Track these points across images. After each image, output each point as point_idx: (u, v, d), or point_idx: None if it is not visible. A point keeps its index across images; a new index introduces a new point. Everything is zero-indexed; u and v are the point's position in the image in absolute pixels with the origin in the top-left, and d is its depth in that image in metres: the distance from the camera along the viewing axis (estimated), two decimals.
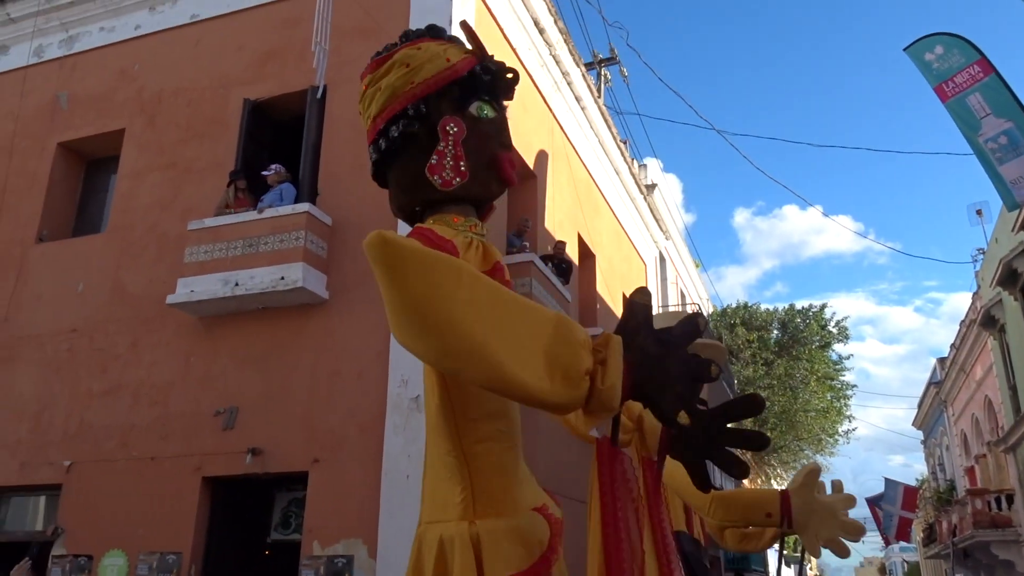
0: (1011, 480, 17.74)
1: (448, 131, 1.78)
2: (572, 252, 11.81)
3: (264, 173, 8.37)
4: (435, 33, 1.88)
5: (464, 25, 1.88)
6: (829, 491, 3.30)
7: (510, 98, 1.95)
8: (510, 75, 1.91)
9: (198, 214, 8.36)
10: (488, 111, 1.84)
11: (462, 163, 1.77)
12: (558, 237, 11.12)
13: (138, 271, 8.74)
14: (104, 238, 9.27)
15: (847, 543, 3.26)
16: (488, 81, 1.85)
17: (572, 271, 11.19)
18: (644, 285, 1.45)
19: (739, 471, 1.68)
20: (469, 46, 1.89)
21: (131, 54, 9.88)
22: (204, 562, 7.58)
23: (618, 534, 1.41)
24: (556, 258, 10.53)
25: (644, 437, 2.07)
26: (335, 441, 7.43)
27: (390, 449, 7.14)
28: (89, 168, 10.28)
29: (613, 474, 1.46)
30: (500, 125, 1.87)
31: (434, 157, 1.78)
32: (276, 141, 9.20)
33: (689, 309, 19.01)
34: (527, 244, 9.91)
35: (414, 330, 1.36)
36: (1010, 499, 17.65)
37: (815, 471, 3.22)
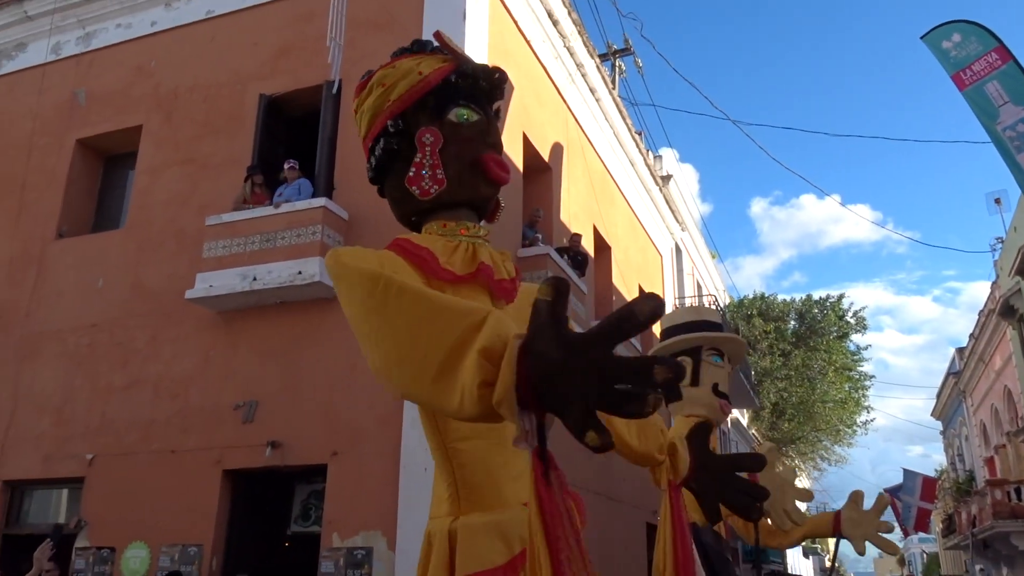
0: None
1: (424, 142, 1.82)
2: (587, 244, 11.80)
3: (287, 165, 8.43)
4: (418, 48, 1.92)
5: (437, 35, 1.91)
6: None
7: (498, 98, 1.97)
8: (495, 76, 1.93)
9: (215, 209, 8.42)
10: (468, 115, 1.86)
11: (439, 171, 1.81)
12: (573, 229, 11.11)
13: (157, 266, 8.81)
14: (123, 234, 9.35)
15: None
16: (467, 86, 1.87)
17: (588, 263, 11.19)
18: (558, 275, 1.19)
19: (755, 515, 1.89)
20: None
21: (147, 50, 9.94)
22: (225, 554, 7.66)
23: (560, 554, 1.28)
24: (572, 250, 10.54)
25: (676, 465, 2.15)
26: (353, 434, 7.48)
27: (408, 442, 7.18)
28: (107, 164, 10.37)
29: (550, 488, 1.29)
30: (483, 127, 1.89)
31: (412, 169, 1.82)
32: (292, 136, 9.23)
33: (705, 301, 18.95)
34: (539, 235, 9.93)
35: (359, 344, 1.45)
36: None
37: (772, 449, 3.45)
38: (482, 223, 1.93)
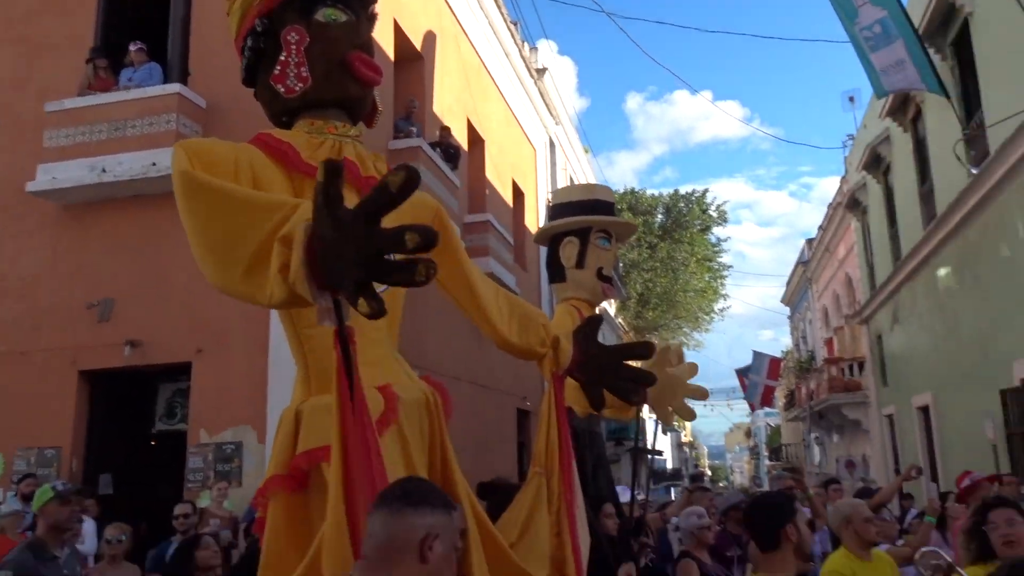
0: (863, 349, 19.34)
1: (289, 40, 1.82)
2: (461, 137, 11.68)
3: (133, 47, 7.82)
4: None
5: None
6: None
7: (371, 2, 1.99)
8: None
9: (56, 95, 7.80)
10: (336, 15, 1.86)
11: (303, 69, 1.82)
12: (446, 121, 10.95)
13: None
14: None
15: (693, 405, 3.67)
16: None
17: (460, 156, 11.10)
18: (334, 158, 1.36)
19: (636, 399, 2.07)
20: None
21: None
22: (85, 455, 7.54)
23: (361, 428, 1.42)
24: (443, 144, 10.40)
25: (559, 358, 2.25)
26: (219, 331, 7.36)
27: (275, 337, 7.10)
28: None
29: (348, 365, 1.38)
30: (352, 27, 1.89)
31: (277, 67, 1.83)
32: (140, 16, 8.54)
33: None
34: (415, 128, 9.73)
35: None
36: (861, 366, 19.30)
37: (665, 349, 3.54)
38: (359, 126, 1.95)
